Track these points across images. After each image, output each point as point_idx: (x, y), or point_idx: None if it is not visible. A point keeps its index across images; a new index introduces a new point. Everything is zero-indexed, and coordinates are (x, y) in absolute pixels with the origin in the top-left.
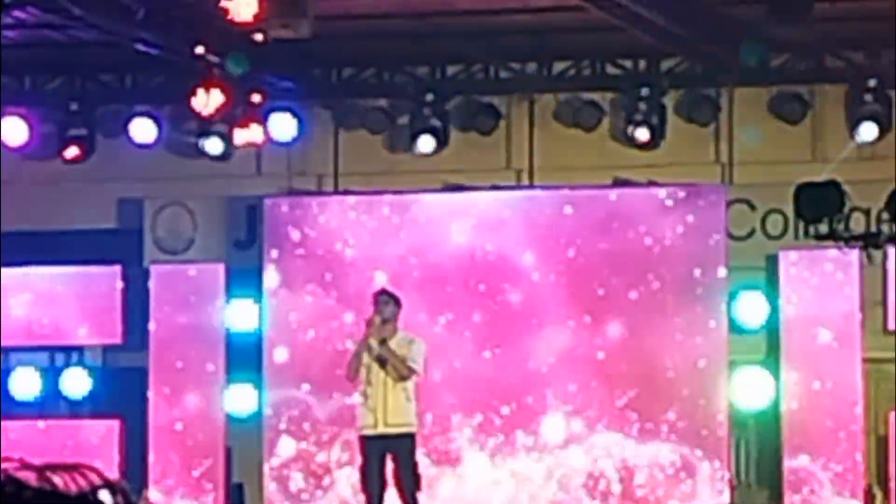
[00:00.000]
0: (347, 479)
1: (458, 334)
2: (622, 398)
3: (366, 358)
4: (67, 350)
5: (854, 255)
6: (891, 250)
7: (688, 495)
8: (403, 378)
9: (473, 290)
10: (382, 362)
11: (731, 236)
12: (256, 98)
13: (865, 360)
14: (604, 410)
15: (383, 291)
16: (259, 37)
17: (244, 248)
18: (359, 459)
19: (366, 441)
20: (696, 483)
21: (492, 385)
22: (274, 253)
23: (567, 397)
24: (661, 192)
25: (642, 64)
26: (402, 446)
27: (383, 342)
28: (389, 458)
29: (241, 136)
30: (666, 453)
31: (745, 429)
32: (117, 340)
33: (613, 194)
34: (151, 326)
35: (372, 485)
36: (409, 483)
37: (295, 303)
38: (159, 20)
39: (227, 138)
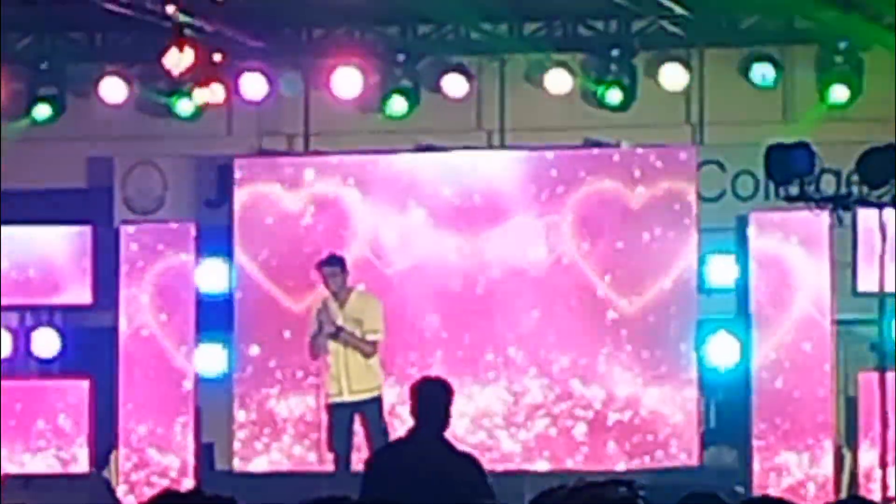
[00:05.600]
0: (315, 441)
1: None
2: (592, 355)
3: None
4: (37, 310)
5: (824, 216)
6: (861, 212)
7: (657, 459)
8: (368, 356)
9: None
10: (344, 344)
11: (701, 197)
12: (217, 57)
13: (835, 322)
14: (576, 366)
15: (328, 261)
16: None
17: (214, 207)
18: (325, 420)
19: (333, 407)
20: (667, 444)
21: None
22: (244, 213)
23: (542, 353)
24: (632, 153)
25: (613, 25)
26: (368, 410)
27: (340, 330)
28: (358, 420)
29: (202, 94)
30: (634, 415)
31: (714, 389)
32: (87, 301)
33: (583, 155)
34: (122, 286)
35: (339, 445)
36: (380, 444)
37: (265, 262)
38: None
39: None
